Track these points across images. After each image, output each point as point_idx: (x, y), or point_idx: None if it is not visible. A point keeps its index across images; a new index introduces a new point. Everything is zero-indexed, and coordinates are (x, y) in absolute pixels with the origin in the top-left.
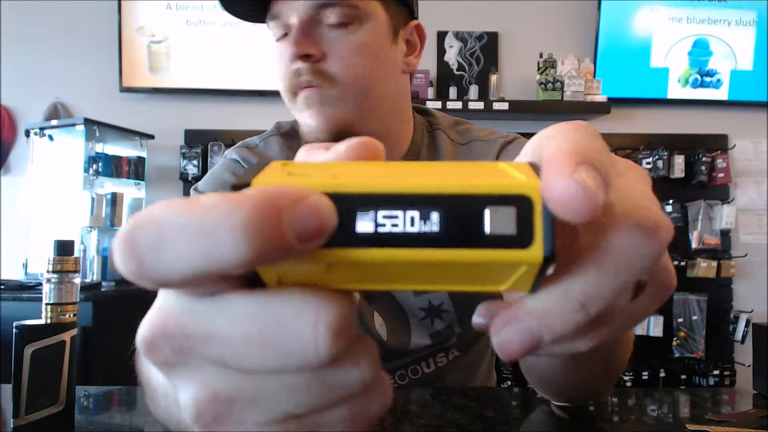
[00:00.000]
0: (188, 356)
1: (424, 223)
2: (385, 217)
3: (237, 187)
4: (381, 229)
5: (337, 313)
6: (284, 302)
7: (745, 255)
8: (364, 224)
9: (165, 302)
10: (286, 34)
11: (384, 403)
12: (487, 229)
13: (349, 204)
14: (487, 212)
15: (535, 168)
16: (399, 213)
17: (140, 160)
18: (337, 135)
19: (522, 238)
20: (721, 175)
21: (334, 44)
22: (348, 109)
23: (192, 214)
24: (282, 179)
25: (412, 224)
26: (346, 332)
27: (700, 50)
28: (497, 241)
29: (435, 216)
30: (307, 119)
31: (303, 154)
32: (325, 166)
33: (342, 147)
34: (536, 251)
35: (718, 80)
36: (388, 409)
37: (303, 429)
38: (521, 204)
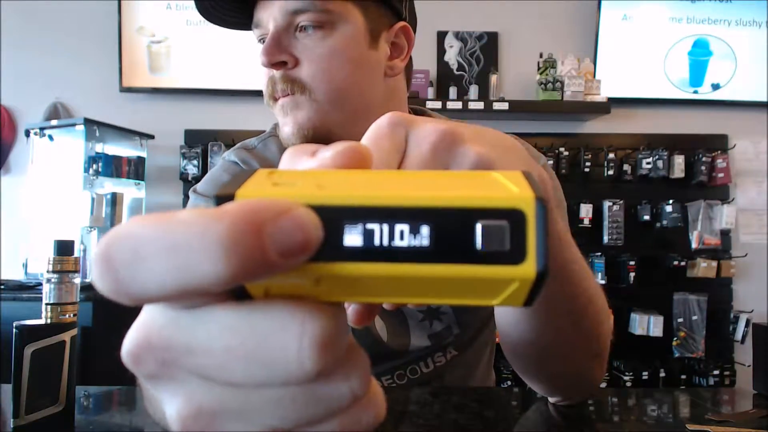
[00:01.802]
0: (172, 369)
1: (414, 237)
2: (373, 230)
3: (220, 199)
4: (369, 243)
5: (323, 326)
6: (268, 315)
7: (745, 255)
8: (351, 237)
9: (149, 314)
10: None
11: (377, 416)
12: (479, 244)
13: (336, 217)
14: (478, 227)
15: (529, 178)
16: (388, 226)
17: (140, 160)
18: (312, 142)
19: (514, 254)
20: (721, 175)
21: (306, 50)
22: (322, 114)
23: (168, 230)
24: (267, 190)
25: (402, 238)
26: (333, 346)
27: (700, 50)
28: (489, 257)
29: (425, 230)
30: (283, 127)
31: (287, 159)
32: (312, 175)
33: (328, 153)
34: (529, 267)
35: (718, 80)
36: (381, 422)
37: None
38: (514, 218)
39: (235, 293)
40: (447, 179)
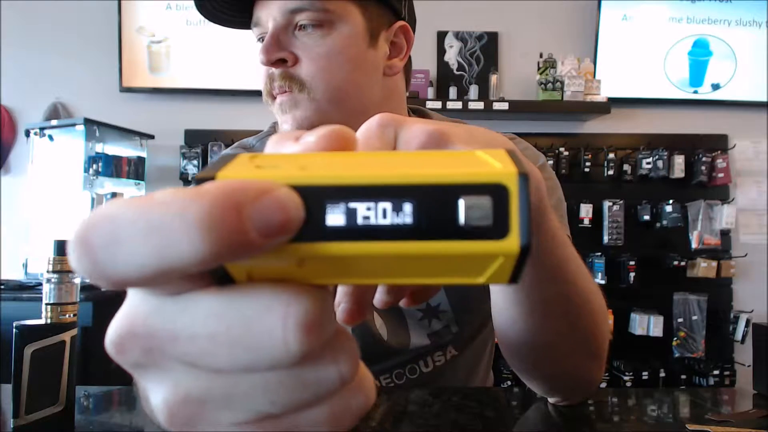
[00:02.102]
0: (157, 357)
1: (397, 214)
2: (355, 209)
3: (201, 181)
4: (352, 222)
5: (307, 307)
6: (252, 298)
7: (745, 255)
8: (334, 217)
9: (132, 302)
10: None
11: (367, 400)
12: (462, 220)
13: (317, 196)
14: (461, 202)
15: (512, 155)
16: (370, 204)
17: (140, 160)
18: None
19: (498, 229)
20: (721, 175)
21: (306, 49)
22: (321, 113)
23: (146, 211)
24: (248, 172)
25: (385, 216)
26: (319, 327)
27: (700, 50)
28: (472, 233)
29: (408, 207)
30: (282, 124)
31: (272, 145)
32: (294, 158)
33: (312, 137)
34: (513, 242)
35: (718, 80)
36: (371, 406)
37: (281, 429)
38: (497, 193)
39: (218, 277)
40: (430, 158)
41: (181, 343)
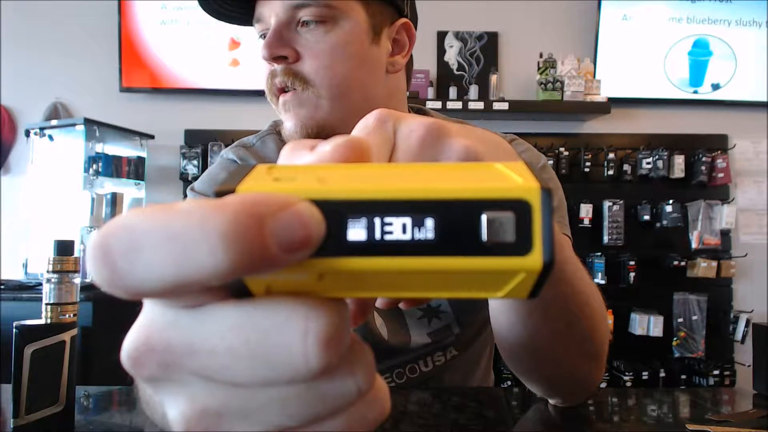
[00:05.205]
0: (174, 371)
1: (418, 230)
2: (377, 224)
3: (220, 195)
4: (373, 237)
5: (327, 321)
6: (271, 312)
7: (745, 255)
8: (355, 232)
9: (149, 315)
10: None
11: (382, 410)
12: (484, 236)
13: (338, 211)
14: (483, 218)
15: (532, 168)
16: (392, 220)
17: (140, 160)
18: (315, 137)
19: (520, 245)
20: (721, 175)
21: (309, 45)
22: (325, 110)
23: (168, 220)
24: (267, 185)
25: (405, 231)
26: (338, 341)
27: (700, 50)
28: (495, 249)
29: (429, 223)
30: (285, 122)
31: (286, 154)
32: (312, 169)
33: (327, 147)
34: (535, 258)
35: (718, 80)
36: (386, 416)
37: None
38: (520, 209)
39: (236, 291)
40: (450, 171)
41: (199, 357)
